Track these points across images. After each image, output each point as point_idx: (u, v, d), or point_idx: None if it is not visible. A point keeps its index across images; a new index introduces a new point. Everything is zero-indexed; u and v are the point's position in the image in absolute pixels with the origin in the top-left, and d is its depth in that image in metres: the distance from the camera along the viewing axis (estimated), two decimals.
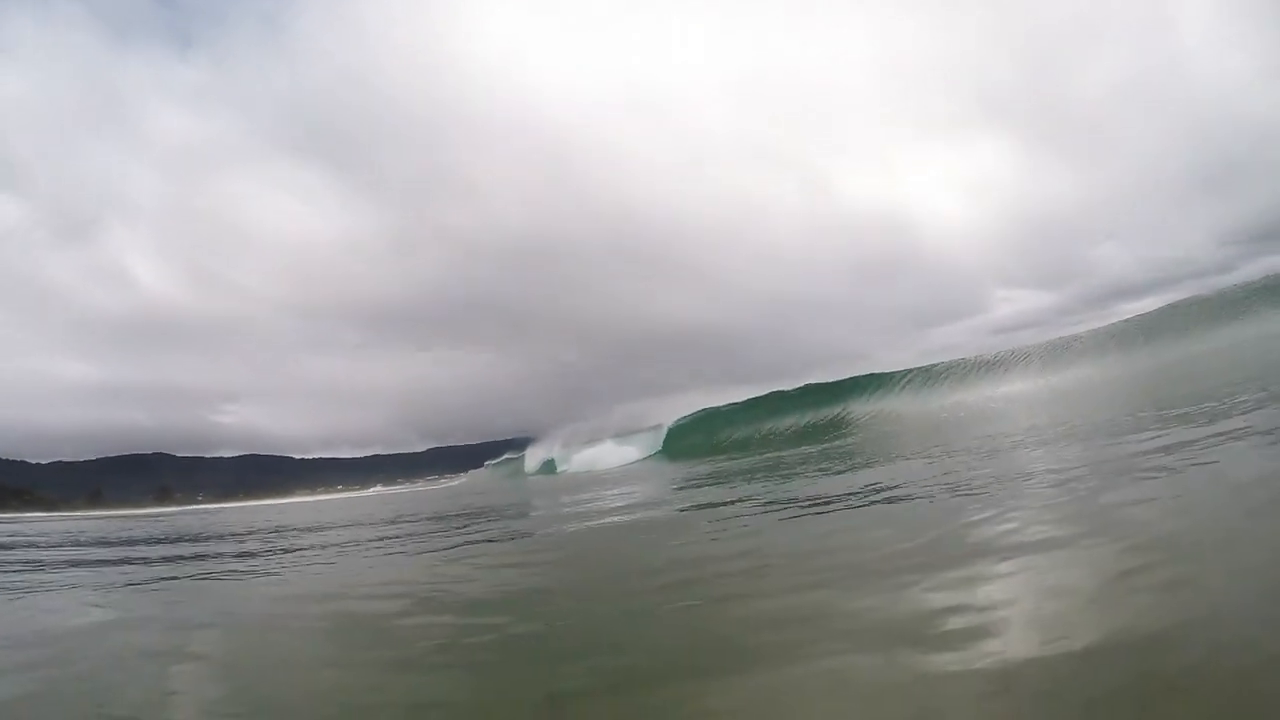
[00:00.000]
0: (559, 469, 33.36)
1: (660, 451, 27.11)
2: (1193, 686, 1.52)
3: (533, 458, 37.32)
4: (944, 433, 11.10)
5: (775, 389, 26.16)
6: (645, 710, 1.93)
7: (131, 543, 9.97)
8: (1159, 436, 5.03)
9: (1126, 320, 19.19)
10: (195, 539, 10.14)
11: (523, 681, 2.24)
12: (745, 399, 27.11)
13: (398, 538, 6.75)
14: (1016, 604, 2.21)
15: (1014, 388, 17.90)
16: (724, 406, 27.73)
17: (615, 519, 6.38)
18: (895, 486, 5.58)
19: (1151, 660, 1.65)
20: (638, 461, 25.71)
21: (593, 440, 32.52)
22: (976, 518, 3.59)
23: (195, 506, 59.28)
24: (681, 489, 9.68)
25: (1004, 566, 2.61)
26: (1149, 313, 18.72)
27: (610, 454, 29.98)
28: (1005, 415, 12.19)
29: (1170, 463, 3.99)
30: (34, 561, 7.40)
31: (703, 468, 14.09)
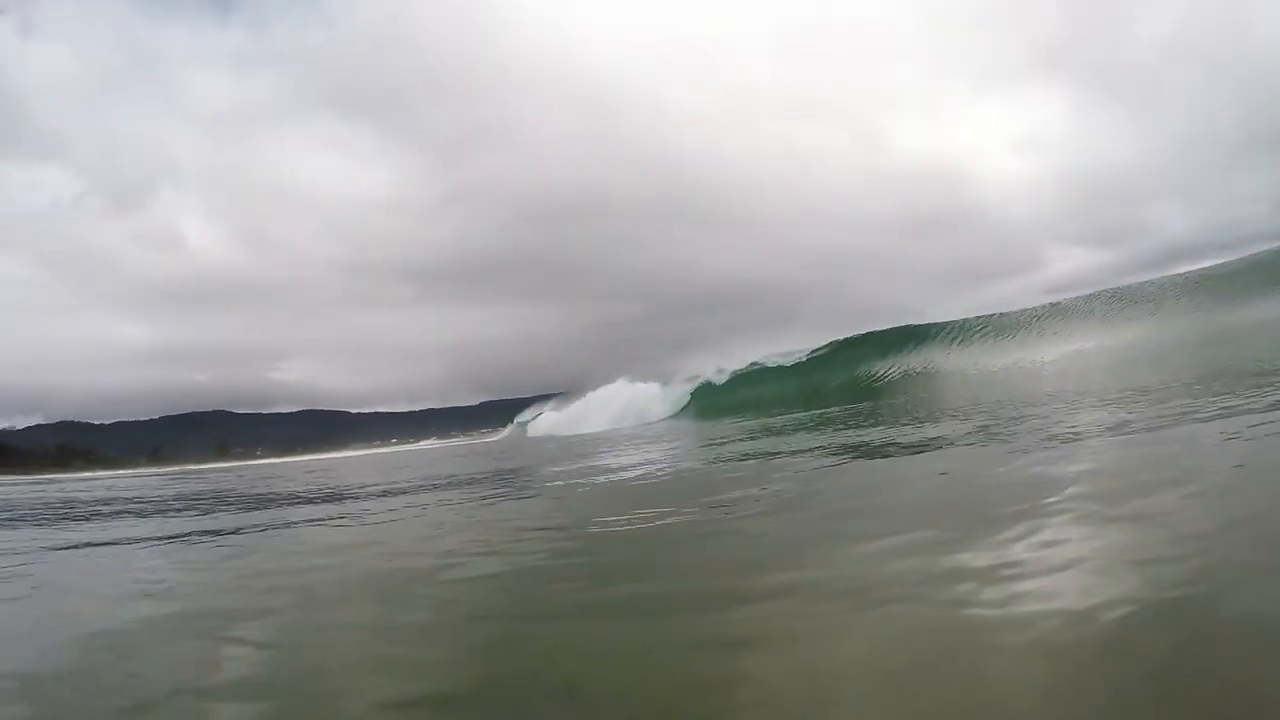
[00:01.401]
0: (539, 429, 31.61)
1: (690, 405, 26.54)
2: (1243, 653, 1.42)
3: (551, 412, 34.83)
4: (995, 388, 10.80)
5: (823, 342, 25.50)
6: (660, 633, 1.96)
7: (175, 500, 10.35)
8: (1216, 402, 4.80)
9: (1181, 275, 18.14)
10: (217, 497, 10.42)
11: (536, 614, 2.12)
12: (783, 351, 26.41)
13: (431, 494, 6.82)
14: (1066, 562, 2.10)
15: (1070, 346, 17.19)
16: (761, 361, 26.98)
17: (636, 473, 6.31)
18: (941, 439, 5.47)
19: (1205, 624, 1.57)
20: (667, 419, 25.10)
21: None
22: (1029, 473, 3.44)
23: (254, 461, 62.06)
24: (711, 445, 9.45)
25: (1055, 523, 2.49)
26: (1206, 267, 17.67)
27: (616, 400, 28.20)
28: (1061, 373, 11.79)
29: (1231, 429, 3.80)
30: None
31: (740, 423, 13.99)
